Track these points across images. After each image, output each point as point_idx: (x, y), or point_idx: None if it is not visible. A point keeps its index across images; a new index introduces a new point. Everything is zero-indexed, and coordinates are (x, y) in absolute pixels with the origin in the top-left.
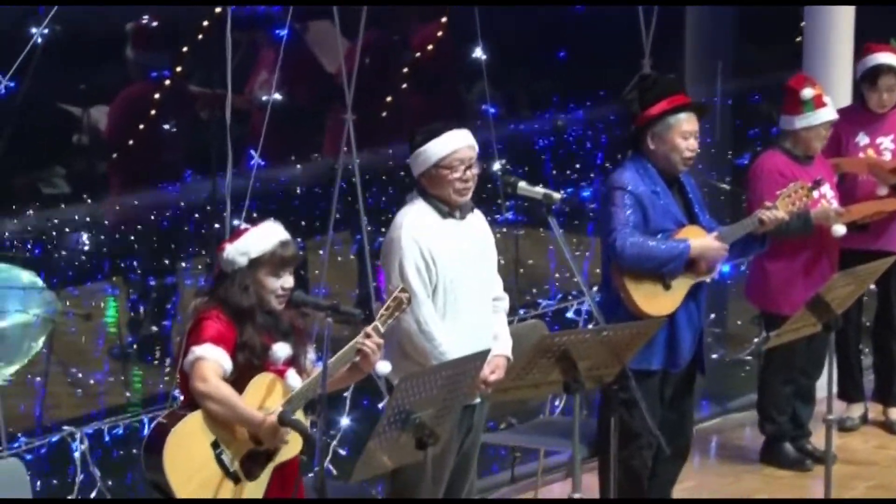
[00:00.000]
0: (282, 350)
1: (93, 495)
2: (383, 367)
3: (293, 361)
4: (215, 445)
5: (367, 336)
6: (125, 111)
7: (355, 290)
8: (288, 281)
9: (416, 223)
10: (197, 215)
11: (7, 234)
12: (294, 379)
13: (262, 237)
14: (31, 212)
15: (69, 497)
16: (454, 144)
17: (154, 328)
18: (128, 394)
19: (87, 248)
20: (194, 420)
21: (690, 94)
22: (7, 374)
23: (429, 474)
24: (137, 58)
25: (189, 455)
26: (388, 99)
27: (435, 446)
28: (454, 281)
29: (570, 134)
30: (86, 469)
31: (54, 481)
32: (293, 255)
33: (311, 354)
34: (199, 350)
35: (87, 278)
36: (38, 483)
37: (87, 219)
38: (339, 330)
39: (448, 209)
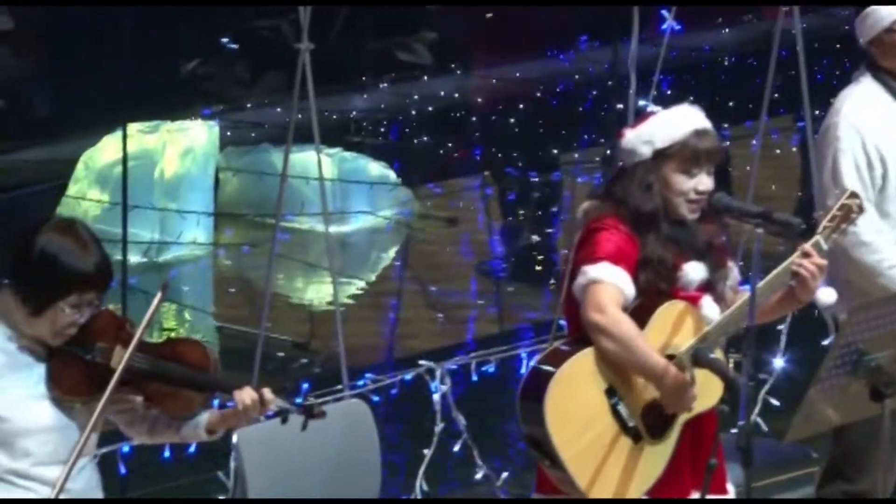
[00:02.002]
0: (695, 271)
1: (456, 448)
2: (826, 295)
3: (709, 286)
4: (610, 393)
5: (806, 255)
6: None
7: (797, 193)
8: (704, 182)
9: (859, 107)
10: (594, 93)
11: (354, 112)
12: (711, 308)
13: (672, 123)
14: (384, 85)
15: (426, 451)
16: None
17: (535, 237)
18: (501, 321)
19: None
20: (584, 360)
21: None
22: (350, 292)
23: (885, 434)
24: None
25: (577, 405)
26: None
27: (895, 398)
28: None
29: None
30: (447, 415)
31: (407, 429)
32: (711, 149)
33: (732, 278)
34: (593, 270)
35: (452, 172)
36: (388, 430)
37: (455, 95)
38: (771, 245)
39: None
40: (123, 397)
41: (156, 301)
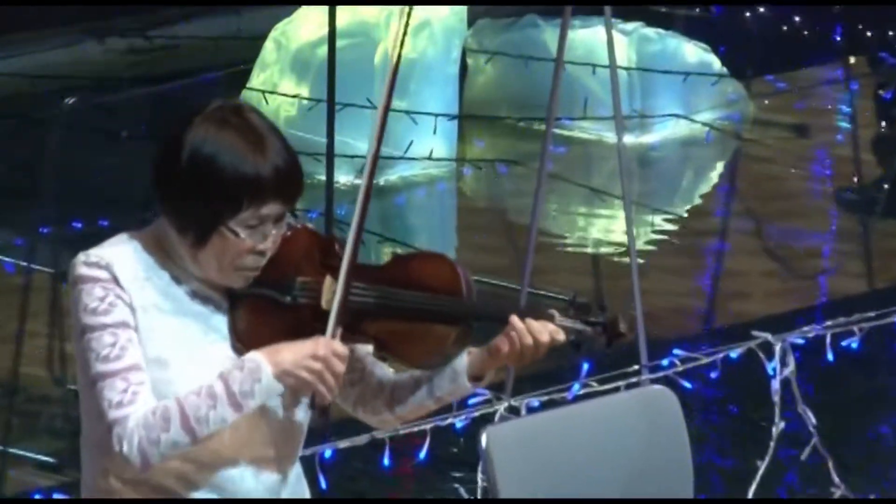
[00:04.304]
0: None
1: (802, 457)
2: None
3: None
4: None
5: None
6: None
7: None
8: None
9: None
10: None
11: None
12: None
13: None
14: None
15: (759, 462)
16: None
17: None
18: (870, 275)
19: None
20: None
21: None
22: (653, 231)
23: None
24: None
25: None
26: None
27: None
28: None
29: None
30: (790, 409)
31: (732, 427)
32: None
33: None
34: None
35: (802, 57)
36: (705, 430)
37: None
38: None
39: None
40: (348, 350)
41: (402, 20)
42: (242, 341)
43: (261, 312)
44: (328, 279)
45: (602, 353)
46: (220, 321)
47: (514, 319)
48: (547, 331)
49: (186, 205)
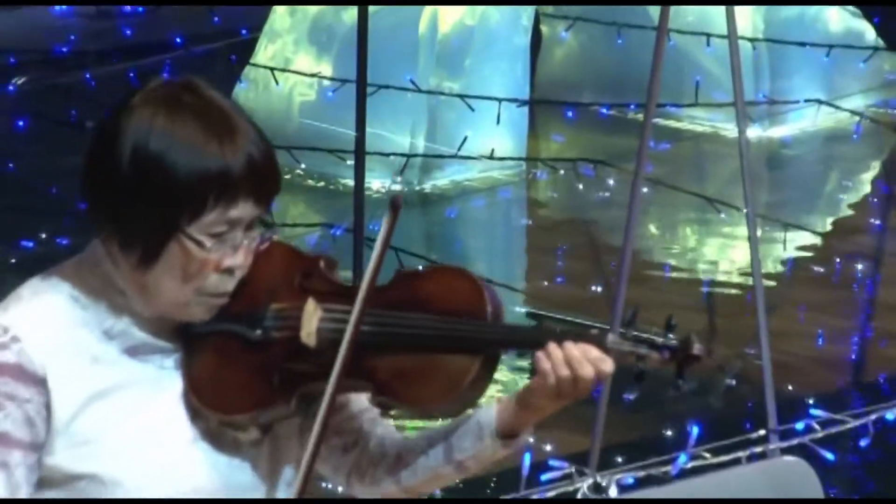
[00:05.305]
0: None
1: None
2: None
3: None
4: None
5: None
6: None
7: None
8: None
9: None
10: None
11: None
12: None
13: None
14: None
15: None
16: None
17: None
18: None
19: None
20: None
21: None
22: (785, 253)
23: None
24: None
25: None
26: None
27: None
28: None
29: None
30: None
31: None
32: None
33: None
34: None
35: None
36: None
37: None
38: None
39: None
40: (340, 402)
41: (384, 229)
42: (198, 395)
43: (222, 355)
44: (310, 303)
45: (711, 407)
46: (172, 376)
47: (551, 346)
48: (588, 359)
49: (131, 212)
